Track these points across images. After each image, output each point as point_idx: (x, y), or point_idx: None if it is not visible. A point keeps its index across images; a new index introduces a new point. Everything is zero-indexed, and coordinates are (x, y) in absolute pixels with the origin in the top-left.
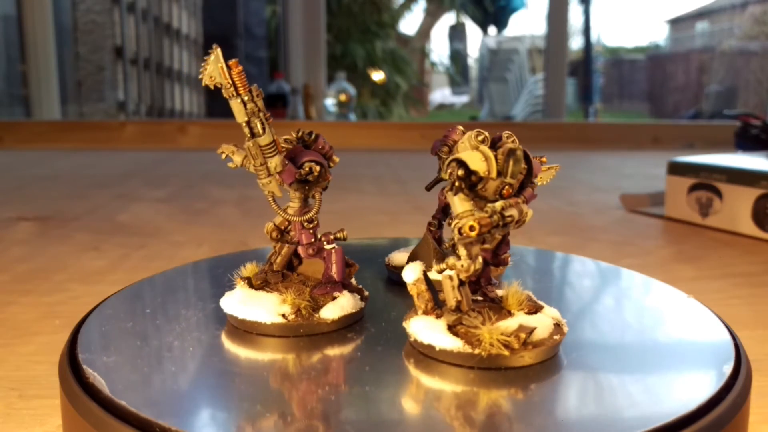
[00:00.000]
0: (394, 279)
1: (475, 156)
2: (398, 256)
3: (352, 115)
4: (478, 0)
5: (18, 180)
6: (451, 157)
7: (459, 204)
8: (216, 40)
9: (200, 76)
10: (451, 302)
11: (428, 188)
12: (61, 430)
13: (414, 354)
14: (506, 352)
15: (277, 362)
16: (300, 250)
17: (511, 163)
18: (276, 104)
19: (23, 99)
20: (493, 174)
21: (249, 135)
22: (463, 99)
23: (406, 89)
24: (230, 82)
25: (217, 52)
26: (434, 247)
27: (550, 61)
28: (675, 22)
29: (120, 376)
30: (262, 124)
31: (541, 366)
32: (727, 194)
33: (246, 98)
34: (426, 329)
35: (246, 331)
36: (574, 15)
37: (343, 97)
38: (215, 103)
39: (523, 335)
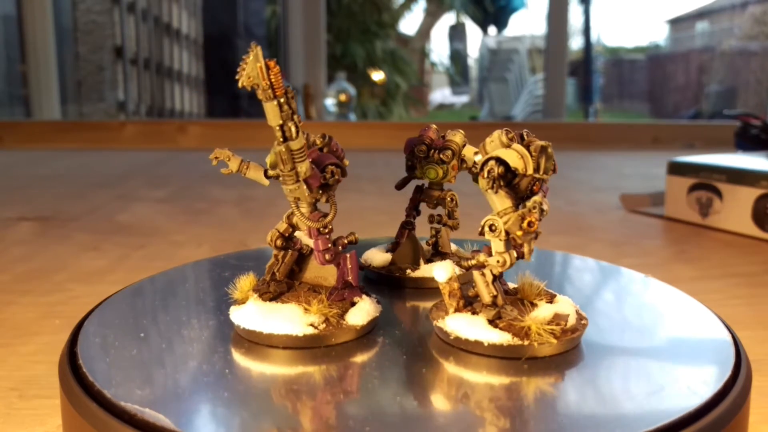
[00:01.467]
0: (371, 278)
1: (512, 154)
2: (378, 256)
3: (352, 115)
4: (478, 0)
5: (18, 180)
6: (488, 156)
7: (499, 201)
8: (216, 40)
9: (237, 77)
10: (487, 298)
11: (399, 187)
12: (61, 430)
13: (452, 351)
14: (554, 341)
15: (326, 372)
16: (317, 256)
17: (543, 159)
18: None
19: (23, 99)
20: (530, 171)
21: (281, 139)
22: (463, 99)
23: (406, 89)
24: (269, 83)
25: (257, 51)
26: (420, 246)
27: (550, 61)
28: (675, 22)
29: (120, 376)
30: (296, 127)
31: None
32: (727, 194)
33: (282, 100)
34: (467, 326)
35: (270, 346)
36: (574, 15)
37: (343, 97)
38: (215, 103)
39: (563, 323)
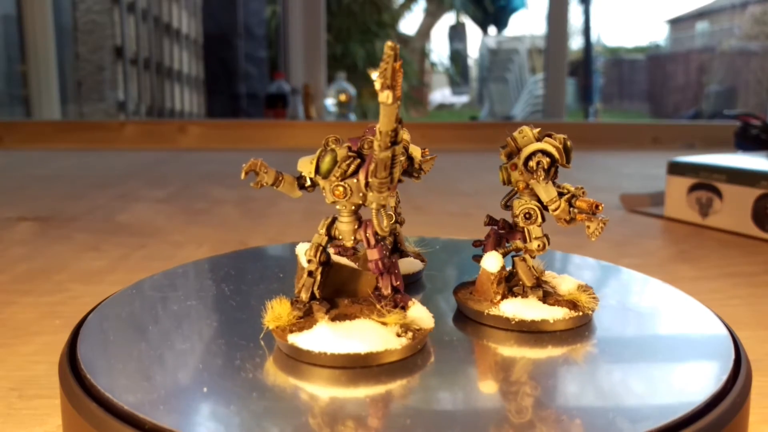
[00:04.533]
0: None
1: (549, 147)
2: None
3: (353, 115)
4: (478, 0)
5: (18, 180)
6: (533, 148)
7: (547, 191)
8: (216, 40)
9: (378, 77)
10: (531, 281)
11: None
12: (61, 430)
13: (514, 336)
14: (597, 307)
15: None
16: (374, 265)
17: (569, 151)
18: (276, 104)
19: (23, 99)
20: (565, 161)
21: (388, 144)
22: (463, 99)
23: (406, 89)
24: (397, 84)
25: (398, 51)
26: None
27: (550, 61)
28: (675, 22)
29: (121, 375)
30: (402, 129)
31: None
32: (727, 194)
33: (399, 102)
34: (526, 309)
35: (364, 366)
36: (574, 15)
37: (343, 97)
38: (215, 103)
39: (591, 289)
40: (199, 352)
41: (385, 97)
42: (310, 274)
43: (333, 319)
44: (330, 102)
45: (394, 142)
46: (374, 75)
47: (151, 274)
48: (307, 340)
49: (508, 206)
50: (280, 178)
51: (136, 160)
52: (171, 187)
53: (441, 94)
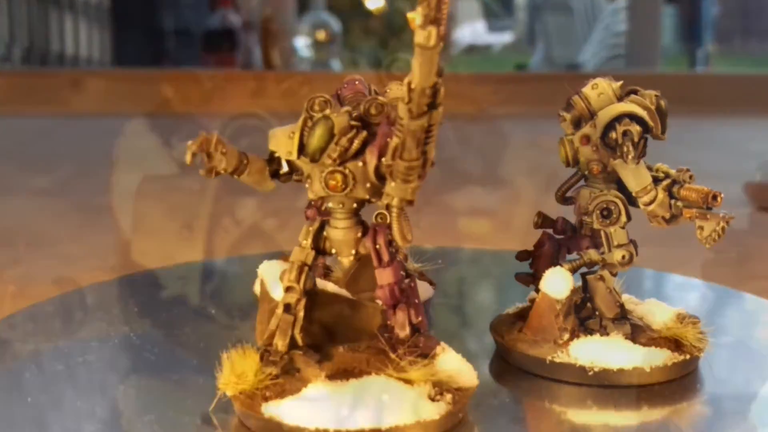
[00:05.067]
0: None
1: (637, 109)
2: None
3: (336, 62)
4: None
5: None
6: (615, 111)
7: (638, 175)
8: None
9: (420, 7)
10: (613, 310)
11: None
12: None
13: (591, 394)
14: (708, 347)
15: None
16: (386, 293)
17: (665, 115)
18: (220, 46)
19: None
20: (659, 131)
21: (424, 108)
22: (505, 38)
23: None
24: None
25: None
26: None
27: None
28: None
29: None
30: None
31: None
32: None
33: (441, 46)
34: (609, 352)
35: None
36: None
37: (321, 35)
38: (126, 44)
39: (699, 322)
40: None
41: (425, 36)
42: (288, 308)
43: (330, 377)
44: (302, 42)
45: (433, 104)
46: (369, 3)
47: (27, 304)
48: (293, 410)
49: (568, 199)
50: (245, 162)
51: (7, 131)
52: (60, 171)
53: (471, 30)
